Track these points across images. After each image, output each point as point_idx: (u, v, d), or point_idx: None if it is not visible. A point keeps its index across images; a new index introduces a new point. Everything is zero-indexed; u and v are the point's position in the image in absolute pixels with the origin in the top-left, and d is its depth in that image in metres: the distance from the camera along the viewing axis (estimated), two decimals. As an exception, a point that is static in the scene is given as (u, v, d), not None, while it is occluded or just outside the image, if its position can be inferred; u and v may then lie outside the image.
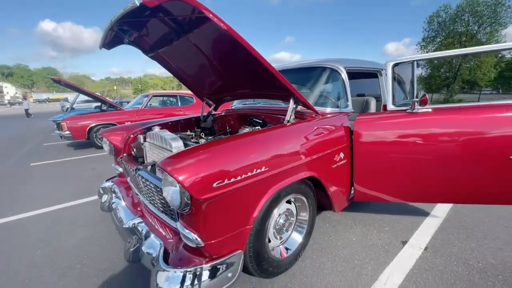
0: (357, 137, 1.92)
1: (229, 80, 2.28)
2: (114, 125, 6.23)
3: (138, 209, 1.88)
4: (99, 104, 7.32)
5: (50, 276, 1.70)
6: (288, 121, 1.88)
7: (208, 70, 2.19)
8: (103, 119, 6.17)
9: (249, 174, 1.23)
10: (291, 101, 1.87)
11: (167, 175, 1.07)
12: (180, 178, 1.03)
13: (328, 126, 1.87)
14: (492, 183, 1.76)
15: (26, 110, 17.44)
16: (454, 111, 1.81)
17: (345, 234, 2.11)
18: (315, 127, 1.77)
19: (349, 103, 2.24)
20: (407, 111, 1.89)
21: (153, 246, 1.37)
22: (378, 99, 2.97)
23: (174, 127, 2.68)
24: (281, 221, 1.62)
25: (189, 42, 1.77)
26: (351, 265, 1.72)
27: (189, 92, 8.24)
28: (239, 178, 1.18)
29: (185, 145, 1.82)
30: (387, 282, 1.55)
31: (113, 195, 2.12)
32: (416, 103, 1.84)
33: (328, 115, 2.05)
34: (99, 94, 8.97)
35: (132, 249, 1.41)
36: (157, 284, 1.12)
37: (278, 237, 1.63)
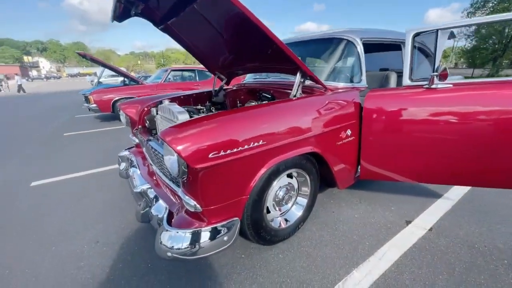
0: (366, 114, 1.85)
1: (239, 53, 2.24)
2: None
3: (154, 178, 2.03)
4: (124, 78, 7.62)
5: (80, 228, 1.96)
6: (295, 96, 1.85)
7: (217, 43, 2.17)
8: (125, 93, 6.44)
9: (246, 147, 1.26)
10: (298, 75, 1.82)
11: (167, 145, 1.14)
12: (178, 148, 1.09)
13: (336, 102, 1.81)
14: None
15: (20, 85, 18.37)
16: (479, 87, 1.65)
17: (348, 211, 2.13)
18: (321, 103, 1.73)
19: (363, 77, 2.12)
20: (424, 86, 1.76)
21: (160, 209, 1.50)
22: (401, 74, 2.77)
23: (186, 101, 2.75)
24: (281, 193, 1.67)
25: (196, 13, 1.75)
26: (349, 239, 1.77)
27: (207, 66, 8.18)
28: (235, 150, 1.22)
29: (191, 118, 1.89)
30: (382, 257, 1.58)
31: (130, 163, 2.30)
32: (435, 78, 1.70)
33: (340, 90, 1.97)
34: (123, 69, 9.29)
35: (142, 211, 1.57)
36: (161, 242, 1.26)
37: (277, 209, 1.70)
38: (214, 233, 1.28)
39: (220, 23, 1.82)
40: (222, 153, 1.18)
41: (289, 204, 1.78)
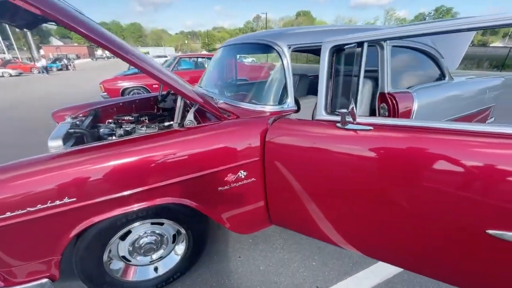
0: (267, 150, 1.44)
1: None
2: (144, 87, 6.70)
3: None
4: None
5: None
6: (181, 124, 1.54)
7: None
8: (135, 82, 6.67)
9: (49, 204, 1.05)
10: (179, 97, 1.49)
11: None
12: None
13: (227, 135, 1.43)
14: (456, 260, 1.10)
15: (44, 67, 20.29)
16: (412, 134, 1.09)
17: (259, 259, 1.78)
18: (195, 137, 1.36)
19: (290, 98, 1.65)
20: (337, 125, 1.26)
21: None
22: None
23: (125, 108, 2.60)
24: (146, 240, 1.43)
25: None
26: (226, 304, 1.47)
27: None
28: (25, 210, 1.02)
29: (77, 142, 1.71)
30: None
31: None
32: (346, 116, 1.18)
33: (248, 117, 1.57)
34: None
35: None
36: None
37: (137, 258, 1.47)
38: (13, 296, 1.14)
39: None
40: (8, 214, 1.00)
41: (151, 255, 1.51)
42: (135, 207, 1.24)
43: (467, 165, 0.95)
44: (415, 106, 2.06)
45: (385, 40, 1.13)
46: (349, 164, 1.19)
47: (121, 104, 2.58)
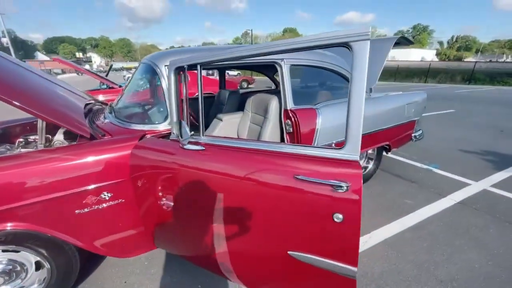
0: (131, 169, 1.41)
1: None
2: (104, 102, 6.65)
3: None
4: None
5: None
6: (47, 145, 1.49)
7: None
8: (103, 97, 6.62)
9: None
10: (39, 120, 1.46)
11: None
12: None
13: (86, 154, 1.39)
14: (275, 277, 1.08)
15: None
16: (233, 153, 1.09)
17: (145, 283, 1.69)
18: (48, 157, 1.31)
19: (165, 122, 1.63)
20: (180, 144, 1.25)
21: None
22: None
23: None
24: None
25: None
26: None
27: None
28: None
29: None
30: None
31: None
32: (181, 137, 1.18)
33: (117, 136, 1.55)
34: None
35: None
36: None
37: None
38: None
39: None
40: None
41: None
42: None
43: (272, 190, 0.95)
44: (319, 121, 2.10)
45: (214, 62, 1.16)
46: (188, 183, 1.18)
47: (35, 123, 2.51)
